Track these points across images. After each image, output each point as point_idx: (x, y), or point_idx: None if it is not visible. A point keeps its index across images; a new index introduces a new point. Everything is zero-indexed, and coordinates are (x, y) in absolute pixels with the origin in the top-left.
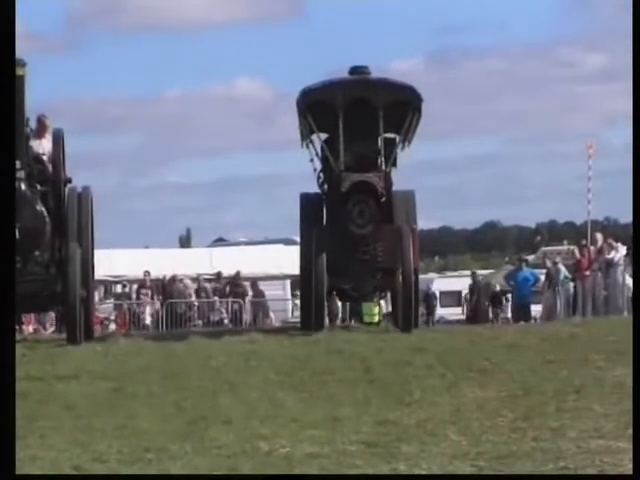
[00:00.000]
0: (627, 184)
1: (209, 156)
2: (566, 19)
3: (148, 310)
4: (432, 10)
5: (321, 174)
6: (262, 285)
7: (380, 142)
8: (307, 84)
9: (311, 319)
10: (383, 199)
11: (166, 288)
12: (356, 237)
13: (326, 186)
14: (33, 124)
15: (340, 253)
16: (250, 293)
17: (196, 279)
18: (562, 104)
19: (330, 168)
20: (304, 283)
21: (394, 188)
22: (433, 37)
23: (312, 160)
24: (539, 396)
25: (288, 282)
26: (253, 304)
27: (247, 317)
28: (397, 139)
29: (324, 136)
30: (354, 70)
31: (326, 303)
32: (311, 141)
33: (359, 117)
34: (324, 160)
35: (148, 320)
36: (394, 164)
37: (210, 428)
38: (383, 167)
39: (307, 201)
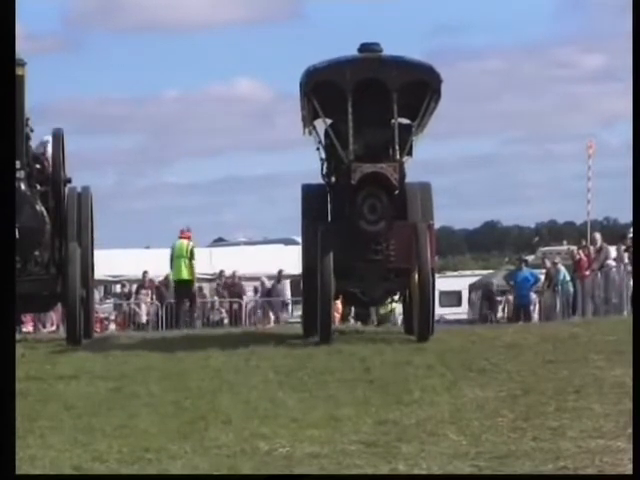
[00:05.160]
0: (626, 184)
1: (209, 156)
2: (563, 20)
3: (146, 310)
4: (430, 10)
5: (326, 164)
6: (269, 285)
7: (394, 128)
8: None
9: (315, 325)
10: (396, 192)
11: (160, 289)
12: (366, 235)
13: (332, 177)
14: (33, 124)
15: (348, 252)
16: (248, 293)
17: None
18: (560, 104)
19: (337, 157)
20: (307, 285)
21: (408, 179)
22: (431, 37)
23: (318, 149)
24: (539, 396)
25: (288, 282)
26: (259, 303)
27: (246, 317)
28: (413, 125)
29: (329, 121)
30: (364, 48)
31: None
32: (314, 127)
33: (370, 100)
34: (330, 148)
35: (144, 319)
36: (409, 153)
37: (210, 428)
38: (397, 156)
39: (309, 193)
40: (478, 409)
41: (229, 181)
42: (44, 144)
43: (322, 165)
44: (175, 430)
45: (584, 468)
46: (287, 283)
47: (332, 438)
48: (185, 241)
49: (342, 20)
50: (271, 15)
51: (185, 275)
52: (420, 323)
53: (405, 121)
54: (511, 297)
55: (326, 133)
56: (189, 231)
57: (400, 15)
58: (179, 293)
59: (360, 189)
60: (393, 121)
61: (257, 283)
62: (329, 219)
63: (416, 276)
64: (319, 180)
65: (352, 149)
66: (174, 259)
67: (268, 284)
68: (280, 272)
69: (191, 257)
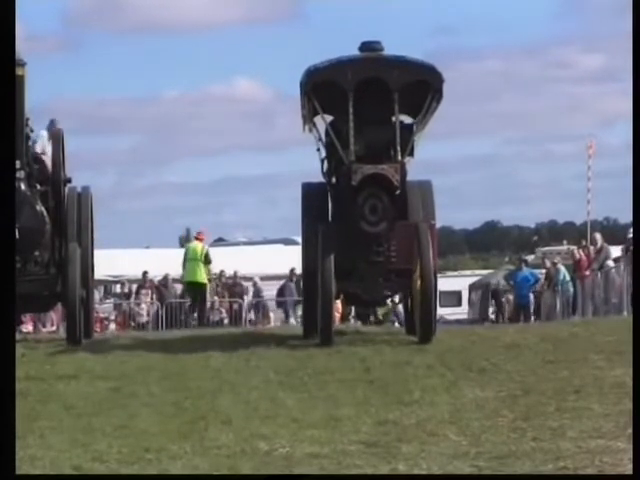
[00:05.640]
0: (625, 184)
1: (209, 156)
2: (563, 20)
3: (146, 310)
4: (429, 11)
5: (326, 161)
6: (261, 285)
7: (395, 128)
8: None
9: (315, 326)
10: (397, 192)
11: (160, 289)
12: (368, 236)
13: (333, 176)
14: (33, 124)
15: (349, 253)
16: (250, 293)
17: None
18: (560, 104)
19: (337, 157)
20: (307, 286)
21: (408, 178)
22: (430, 38)
23: (318, 149)
24: (539, 396)
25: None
26: (251, 304)
27: (246, 317)
28: (414, 122)
29: (330, 119)
30: (365, 46)
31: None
32: (314, 124)
33: (372, 100)
34: (330, 146)
35: (144, 319)
36: (411, 153)
37: (210, 428)
38: (399, 157)
39: (310, 192)
40: (478, 409)
41: (229, 181)
42: (34, 141)
43: (322, 163)
44: (175, 430)
45: (584, 468)
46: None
47: (332, 438)
48: (200, 244)
49: (342, 20)
50: (271, 15)
51: (198, 278)
52: (423, 325)
53: (407, 121)
54: (511, 297)
55: (326, 131)
56: (201, 234)
57: (400, 15)
58: (192, 295)
59: (361, 190)
60: (394, 120)
61: (250, 283)
62: (329, 218)
63: (418, 277)
64: (319, 179)
65: (353, 149)
66: (187, 261)
67: (260, 284)
68: (292, 270)
69: (205, 260)
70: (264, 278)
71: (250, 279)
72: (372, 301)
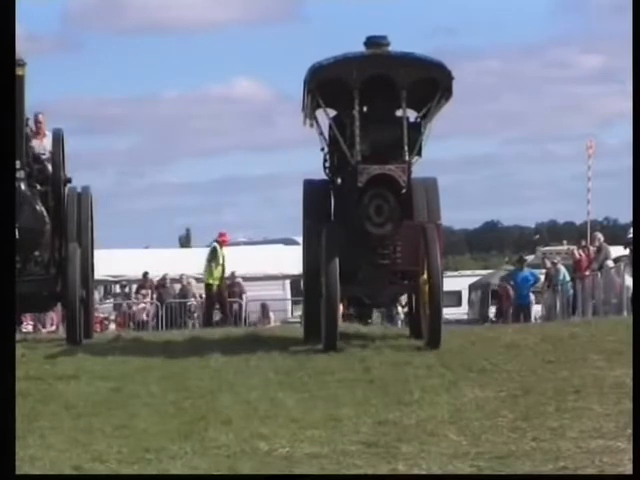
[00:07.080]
0: (625, 184)
1: (208, 156)
2: (562, 20)
3: (146, 310)
4: (429, 11)
5: (329, 157)
6: (262, 285)
7: (402, 127)
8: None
9: (316, 329)
10: (403, 191)
11: (159, 289)
12: (373, 238)
13: (335, 173)
14: (32, 124)
15: (353, 255)
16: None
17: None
18: (560, 104)
19: (340, 153)
20: (308, 287)
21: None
22: (430, 38)
23: (323, 149)
24: (539, 396)
25: (288, 282)
26: (251, 304)
27: (246, 317)
28: (421, 123)
29: (332, 113)
30: (371, 41)
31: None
32: (316, 120)
33: (378, 98)
34: (333, 142)
35: (144, 319)
36: (419, 153)
37: (210, 428)
38: (406, 157)
39: (312, 190)
40: (478, 409)
41: (229, 181)
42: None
43: (324, 159)
44: (175, 430)
45: (584, 468)
46: (287, 283)
47: (332, 438)
48: (215, 245)
49: (342, 20)
50: (271, 15)
51: (205, 278)
52: (431, 330)
53: (412, 119)
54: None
55: (329, 126)
56: (222, 235)
57: (400, 15)
58: (207, 295)
59: (366, 190)
60: (401, 116)
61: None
62: (332, 217)
63: (424, 279)
64: (323, 169)
65: (359, 149)
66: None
67: (244, 285)
68: None
69: (210, 260)
70: (265, 278)
71: (257, 279)
72: (376, 305)
